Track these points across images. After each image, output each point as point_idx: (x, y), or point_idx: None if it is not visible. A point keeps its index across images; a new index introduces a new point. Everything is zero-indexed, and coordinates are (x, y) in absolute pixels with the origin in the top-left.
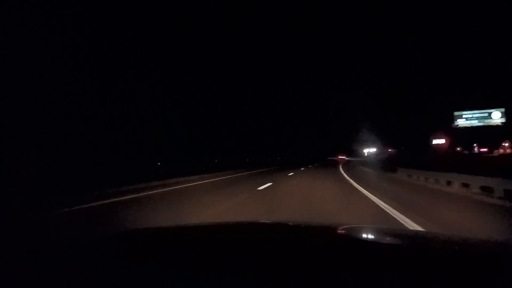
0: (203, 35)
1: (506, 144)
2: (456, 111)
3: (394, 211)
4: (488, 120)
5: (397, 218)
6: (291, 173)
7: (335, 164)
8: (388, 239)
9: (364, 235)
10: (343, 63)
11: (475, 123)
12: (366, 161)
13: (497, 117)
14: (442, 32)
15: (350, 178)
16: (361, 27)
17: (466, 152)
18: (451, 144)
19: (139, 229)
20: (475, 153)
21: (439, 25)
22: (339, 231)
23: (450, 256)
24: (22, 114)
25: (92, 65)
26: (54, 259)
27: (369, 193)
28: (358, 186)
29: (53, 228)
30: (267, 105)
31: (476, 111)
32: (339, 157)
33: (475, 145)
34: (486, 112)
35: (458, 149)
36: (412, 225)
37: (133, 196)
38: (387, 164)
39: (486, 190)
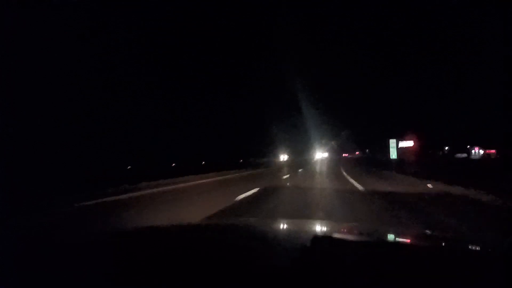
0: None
1: None
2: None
3: None
4: None
5: None
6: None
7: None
8: (385, 239)
9: (362, 234)
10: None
11: None
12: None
13: None
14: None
15: None
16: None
17: (461, 155)
18: (421, 147)
19: (136, 228)
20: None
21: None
22: (336, 230)
23: (450, 255)
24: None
25: (90, 64)
26: (54, 259)
27: None
28: None
29: (53, 228)
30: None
31: None
32: (343, 155)
33: (476, 147)
34: None
35: (431, 153)
36: None
37: None
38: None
39: None
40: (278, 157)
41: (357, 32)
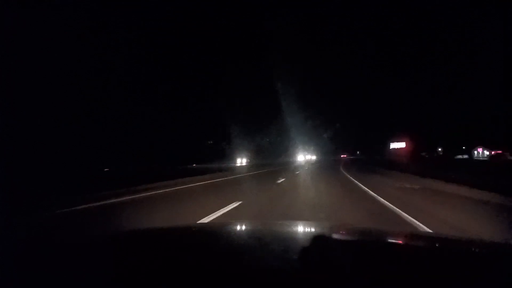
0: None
1: None
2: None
3: None
4: None
5: None
6: None
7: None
8: (384, 239)
9: (361, 235)
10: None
11: None
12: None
13: None
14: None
15: None
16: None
17: (462, 157)
18: (415, 148)
19: (136, 229)
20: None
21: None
22: (335, 231)
23: (450, 255)
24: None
25: (90, 64)
26: (53, 259)
27: None
28: None
29: (54, 228)
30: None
31: None
32: (342, 156)
33: (479, 147)
34: None
35: (425, 154)
36: None
37: None
38: None
39: None
40: (235, 160)
41: (357, 32)
